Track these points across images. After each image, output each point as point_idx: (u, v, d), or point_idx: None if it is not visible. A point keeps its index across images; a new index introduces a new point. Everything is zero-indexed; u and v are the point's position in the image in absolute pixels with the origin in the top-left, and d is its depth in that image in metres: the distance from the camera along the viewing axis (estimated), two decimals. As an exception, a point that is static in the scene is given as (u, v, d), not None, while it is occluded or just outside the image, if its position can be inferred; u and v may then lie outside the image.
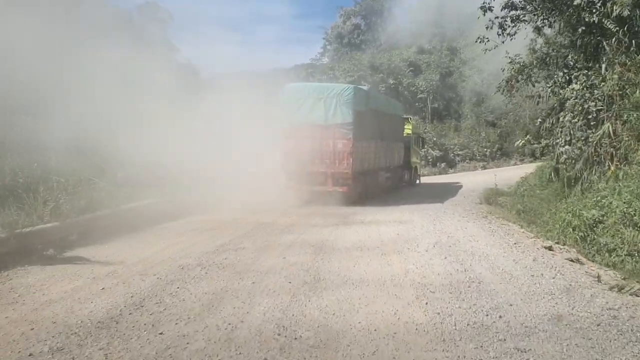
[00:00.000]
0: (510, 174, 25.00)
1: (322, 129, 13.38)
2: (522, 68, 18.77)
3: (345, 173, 13.55)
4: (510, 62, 19.38)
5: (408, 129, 20.52)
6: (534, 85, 19.20)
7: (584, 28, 12.88)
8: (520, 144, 14.09)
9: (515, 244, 8.96)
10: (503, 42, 17.50)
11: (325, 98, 13.54)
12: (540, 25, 17.87)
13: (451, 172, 30.61)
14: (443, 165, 29.78)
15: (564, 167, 12.62)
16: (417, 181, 22.24)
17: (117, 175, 13.68)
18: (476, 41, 17.52)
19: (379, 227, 10.90)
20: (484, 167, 31.07)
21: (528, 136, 14.07)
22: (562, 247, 9.17)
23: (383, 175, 17.08)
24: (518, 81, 19.20)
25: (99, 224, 9.58)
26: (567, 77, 13.35)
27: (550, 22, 17.35)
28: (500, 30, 17.35)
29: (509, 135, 33.57)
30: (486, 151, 32.21)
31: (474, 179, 24.62)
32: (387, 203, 15.50)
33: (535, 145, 14.72)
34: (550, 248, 8.87)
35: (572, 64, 13.33)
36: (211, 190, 14.32)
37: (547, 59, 17.61)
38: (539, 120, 13.45)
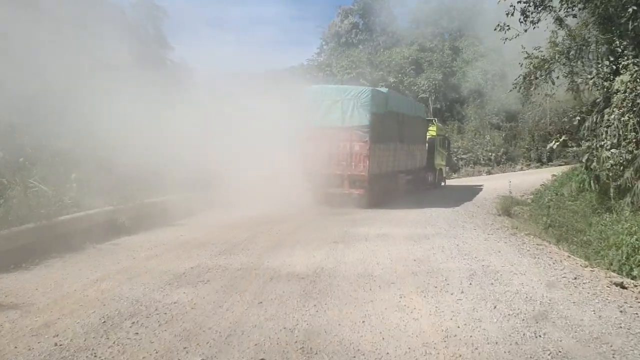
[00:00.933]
0: (520, 179, 22.80)
1: (339, 131, 12.94)
2: (542, 63, 16.52)
3: (361, 175, 13.02)
4: (528, 57, 17.15)
5: (432, 131, 19.56)
6: (553, 83, 17.01)
7: (634, 8, 10.52)
8: (554, 146, 11.69)
9: (575, 278, 6.54)
10: (526, 31, 15.18)
11: (342, 100, 13.06)
12: (563, 16, 15.67)
13: (454, 177, 28.23)
14: (446, 169, 27.29)
15: (609, 174, 10.24)
16: (443, 183, 21.27)
17: (72, 176, 11.14)
18: (495, 29, 15.19)
19: (390, 246, 8.48)
20: (489, 172, 28.74)
21: (564, 137, 11.65)
22: (635, 282, 6.77)
23: (403, 178, 16.28)
24: (537, 77, 16.95)
25: (17, 244, 7.08)
26: (614, 67, 10.98)
27: (578, 10, 15.17)
28: (522, 17, 15.01)
29: (515, 139, 31.28)
30: (491, 155, 29.84)
31: (486, 185, 22.29)
32: (403, 207, 13.94)
33: (575, 148, 12.35)
34: (622, 285, 6.47)
35: (620, 50, 10.96)
36: (217, 192, 12.91)
37: (570, 53, 15.38)
38: (578, 118, 11.12)
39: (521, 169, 30.13)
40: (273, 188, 12.77)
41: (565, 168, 23.95)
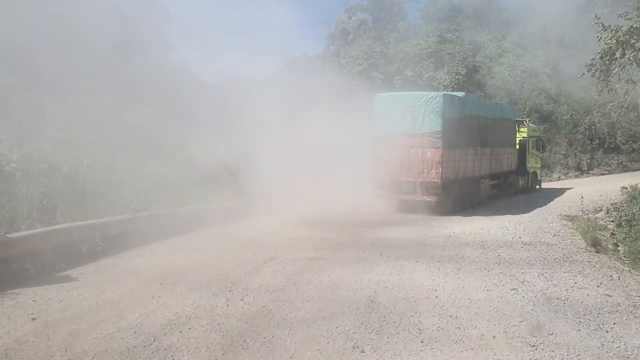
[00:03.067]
0: (572, 193, 17.91)
1: (411, 137, 12.50)
2: (630, 35, 11.74)
3: (434, 182, 12.42)
4: (605, 30, 12.38)
5: (523, 132, 18.39)
6: (640, 65, 12.16)
7: None
8: None
9: None
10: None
11: (413, 107, 12.61)
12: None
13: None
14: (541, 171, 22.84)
15: None
16: (538, 187, 19.65)
17: None
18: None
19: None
20: (522, 181, 23.64)
21: None
22: None
23: (487, 183, 15.23)
24: (622, 56, 12.14)
25: None
26: None
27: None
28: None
29: (549, 143, 26.18)
30: (524, 162, 24.77)
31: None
32: (479, 214, 12.46)
33: None
34: None
35: None
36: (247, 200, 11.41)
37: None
38: None
39: (558, 178, 25.00)
40: (330, 195, 11.71)
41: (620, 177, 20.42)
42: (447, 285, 5.79)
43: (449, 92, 13.83)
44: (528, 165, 18.63)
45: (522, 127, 18.45)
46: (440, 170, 12.19)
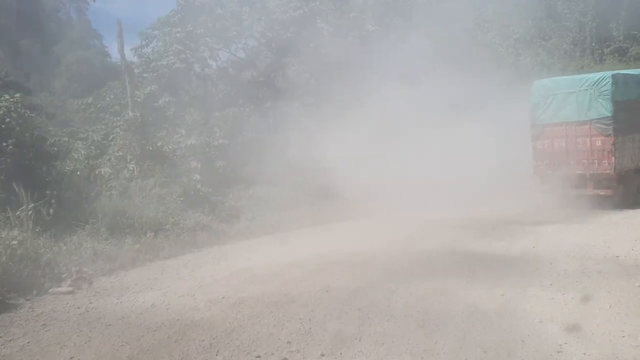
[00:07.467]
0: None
1: (576, 125, 11.43)
2: None
3: (606, 174, 11.14)
4: None
5: None
6: None
7: None
8: None
9: None
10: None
11: (577, 91, 11.46)
12: None
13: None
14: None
15: None
16: None
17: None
18: None
19: None
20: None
21: None
22: None
23: None
24: None
25: None
26: None
27: None
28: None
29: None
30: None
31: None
32: None
33: None
34: None
35: None
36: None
37: None
38: None
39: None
40: (515, 188, 11.47)
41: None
42: None
43: (619, 72, 12.27)
44: None
45: None
46: (612, 160, 10.94)
